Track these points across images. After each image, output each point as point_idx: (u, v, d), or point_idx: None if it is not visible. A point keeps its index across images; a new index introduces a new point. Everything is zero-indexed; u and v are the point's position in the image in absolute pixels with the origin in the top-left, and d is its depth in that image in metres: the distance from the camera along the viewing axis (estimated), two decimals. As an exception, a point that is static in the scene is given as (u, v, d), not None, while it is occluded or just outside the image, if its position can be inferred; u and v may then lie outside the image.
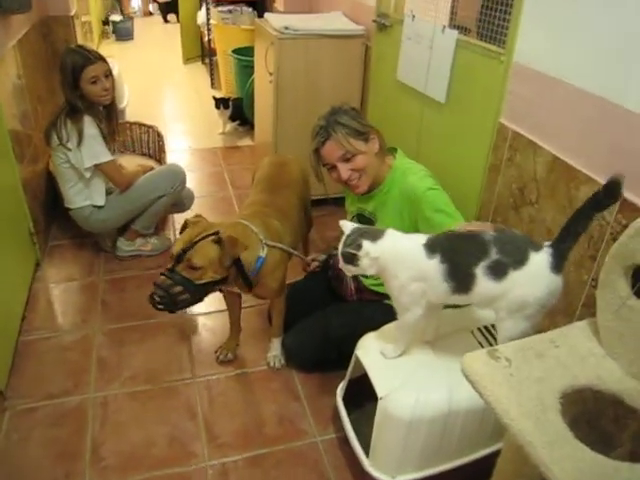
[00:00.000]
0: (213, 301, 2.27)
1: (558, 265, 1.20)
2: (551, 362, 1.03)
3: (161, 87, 5.33)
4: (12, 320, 2.09)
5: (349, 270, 1.35)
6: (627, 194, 1.29)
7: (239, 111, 4.18)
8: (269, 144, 3.00)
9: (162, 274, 1.58)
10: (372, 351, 1.48)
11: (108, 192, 2.49)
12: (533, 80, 1.60)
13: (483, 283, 1.24)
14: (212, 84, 5.35)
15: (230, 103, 4.14)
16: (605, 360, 1.04)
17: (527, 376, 0.99)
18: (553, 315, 1.54)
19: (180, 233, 1.68)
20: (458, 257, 1.26)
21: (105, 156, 2.35)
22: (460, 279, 1.26)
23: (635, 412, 0.96)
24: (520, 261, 1.21)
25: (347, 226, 1.37)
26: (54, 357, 2.03)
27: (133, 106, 4.34)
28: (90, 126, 2.30)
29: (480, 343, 1.50)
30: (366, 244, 1.30)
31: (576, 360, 1.04)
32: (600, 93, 1.36)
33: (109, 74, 2.36)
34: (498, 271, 1.22)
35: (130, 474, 1.61)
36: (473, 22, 1.94)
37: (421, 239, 1.31)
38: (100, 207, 2.46)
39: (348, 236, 1.34)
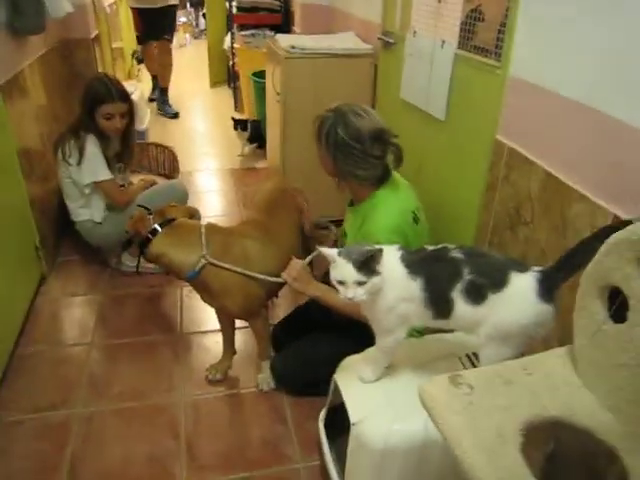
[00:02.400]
0: (209, 320, 2.24)
1: (547, 293, 1.10)
2: (519, 390, 0.95)
3: (187, 109, 5.43)
4: (8, 333, 2.11)
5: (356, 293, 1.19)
6: (620, 212, 1.21)
7: (258, 133, 4.21)
8: (278, 166, 2.98)
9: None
10: (350, 375, 1.41)
11: (110, 207, 2.52)
12: (528, 93, 1.54)
13: (461, 307, 1.17)
14: (236, 107, 5.42)
15: (249, 125, 4.18)
16: (580, 391, 0.96)
17: (489, 405, 0.91)
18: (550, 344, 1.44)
19: None
20: (435, 281, 1.19)
21: (103, 175, 2.39)
22: (438, 305, 1.19)
23: (607, 449, 0.87)
24: (500, 283, 1.13)
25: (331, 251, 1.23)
26: (47, 371, 2.03)
27: (156, 128, 4.43)
28: (91, 145, 2.34)
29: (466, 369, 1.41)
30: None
31: (548, 389, 0.96)
32: (597, 106, 1.28)
33: (125, 115, 2.41)
34: (476, 294, 1.15)
35: (104, 494, 1.58)
36: (481, 38, 1.89)
37: (397, 255, 1.24)
38: (101, 222, 2.49)
39: (349, 247, 1.24)
